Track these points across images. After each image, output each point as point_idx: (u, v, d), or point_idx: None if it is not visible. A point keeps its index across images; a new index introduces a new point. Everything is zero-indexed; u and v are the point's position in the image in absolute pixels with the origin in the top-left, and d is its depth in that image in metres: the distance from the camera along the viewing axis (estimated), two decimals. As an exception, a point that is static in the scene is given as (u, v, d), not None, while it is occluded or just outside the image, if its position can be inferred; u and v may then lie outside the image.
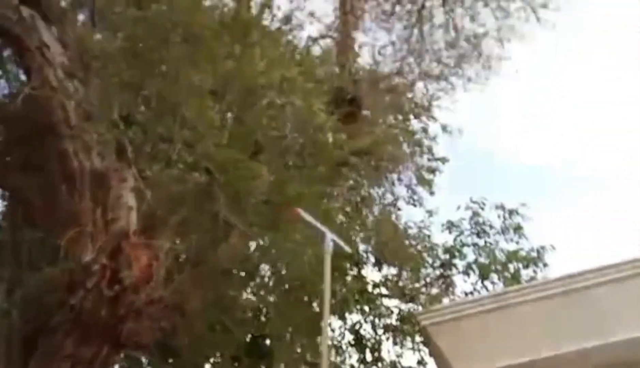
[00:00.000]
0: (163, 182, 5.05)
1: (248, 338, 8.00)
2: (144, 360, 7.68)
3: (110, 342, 4.91)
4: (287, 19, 6.80)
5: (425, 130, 9.49)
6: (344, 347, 8.89)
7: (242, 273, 7.65)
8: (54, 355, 4.80)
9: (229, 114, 5.81)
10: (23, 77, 5.83)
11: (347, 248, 4.96)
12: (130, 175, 5.01)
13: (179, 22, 4.89)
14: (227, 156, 5.46)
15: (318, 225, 4.35)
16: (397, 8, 8.90)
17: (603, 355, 3.60)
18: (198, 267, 6.02)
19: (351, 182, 9.17)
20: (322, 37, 8.81)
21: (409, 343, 8.69)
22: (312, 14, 8.04)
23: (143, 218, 5.23)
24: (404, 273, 9.19)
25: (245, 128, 5.96)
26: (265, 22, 6.68)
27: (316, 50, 8.49)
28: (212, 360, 8.06)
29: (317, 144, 6.43)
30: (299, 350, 8.13)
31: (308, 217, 4.36)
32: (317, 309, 7.34)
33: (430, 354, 5.88)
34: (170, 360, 7.49)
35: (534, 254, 8.96)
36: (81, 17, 5.92)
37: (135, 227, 5.11)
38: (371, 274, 8.95)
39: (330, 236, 4.29)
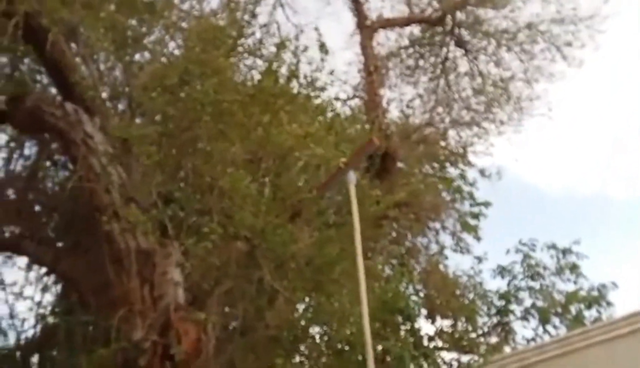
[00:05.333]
0: (205, 255, 5.17)
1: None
2: None
3: (168, 417, 4.92)
4: (313, 84, 7.01)
5: (463, 176, 9.46)
6: (405, 405, 8.57)
7: (291, 337, 7.59)
8: None
9: (265, 181, 5.96)
10: (69, 166, 6.19)
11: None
12: (174, 251, 5.16)
13: (208, 101, 5.14)
14: (266, 223, 5.56)
15: None
16: (421, 62, 9.10)
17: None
18: (247, 336, 6.03)
19: (394, 234, 9.12)
20: (350, 98, 9.05)
21: (472, 397, 8.30)
22: (341, 79, 8.28)
23: (189, 292, 5.33)
24: (459, 324, 8.91)
25: (281, 192, 6.08)
26: (293, 90, 6.93)
27: (345, 111, 8.71)
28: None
29: (354, 201, 6.46)
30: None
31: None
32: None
33: (495, 407, 5.64)
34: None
35: (595, 293, 8.55)
36: (120, 105, 6.30)
37: (182, 301, 5.21)
38: (425, 327, 8.71)
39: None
